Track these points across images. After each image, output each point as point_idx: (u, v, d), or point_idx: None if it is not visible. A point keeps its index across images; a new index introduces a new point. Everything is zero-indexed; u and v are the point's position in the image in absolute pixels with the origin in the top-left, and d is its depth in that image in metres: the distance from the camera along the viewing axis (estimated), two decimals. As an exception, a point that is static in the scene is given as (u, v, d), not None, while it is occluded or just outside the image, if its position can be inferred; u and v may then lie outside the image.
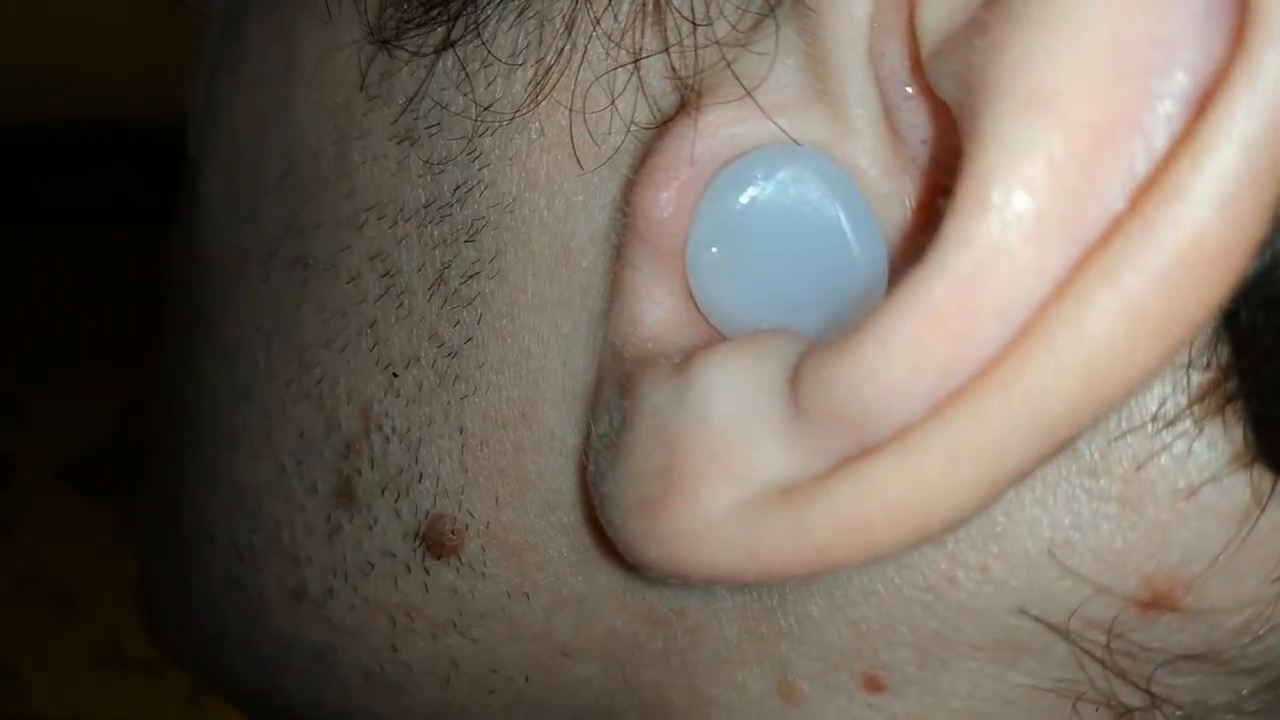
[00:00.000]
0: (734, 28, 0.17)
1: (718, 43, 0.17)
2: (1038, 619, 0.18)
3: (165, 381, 0.29)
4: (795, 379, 0.16)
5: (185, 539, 0.27)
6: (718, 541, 0.17)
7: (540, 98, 0.19)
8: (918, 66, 0.17)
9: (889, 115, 0.17)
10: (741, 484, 0.16)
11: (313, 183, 0.22)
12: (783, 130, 0.17)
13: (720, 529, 0.16)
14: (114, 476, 1.12)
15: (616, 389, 0.18)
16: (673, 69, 0.18)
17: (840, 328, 0.17)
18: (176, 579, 0.29)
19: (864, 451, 0.16)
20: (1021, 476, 0.15)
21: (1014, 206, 0.14)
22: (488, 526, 0.21)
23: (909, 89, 0.17)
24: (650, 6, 0.18)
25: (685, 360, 0.17)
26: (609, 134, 0.19)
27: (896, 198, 0.18)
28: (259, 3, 0.24)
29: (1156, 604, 0.18)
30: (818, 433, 0.16)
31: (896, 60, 0.17)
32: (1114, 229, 0.14)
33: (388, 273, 0.21)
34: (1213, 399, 0.17)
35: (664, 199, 0.18)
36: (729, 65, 0.17)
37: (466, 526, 0.21)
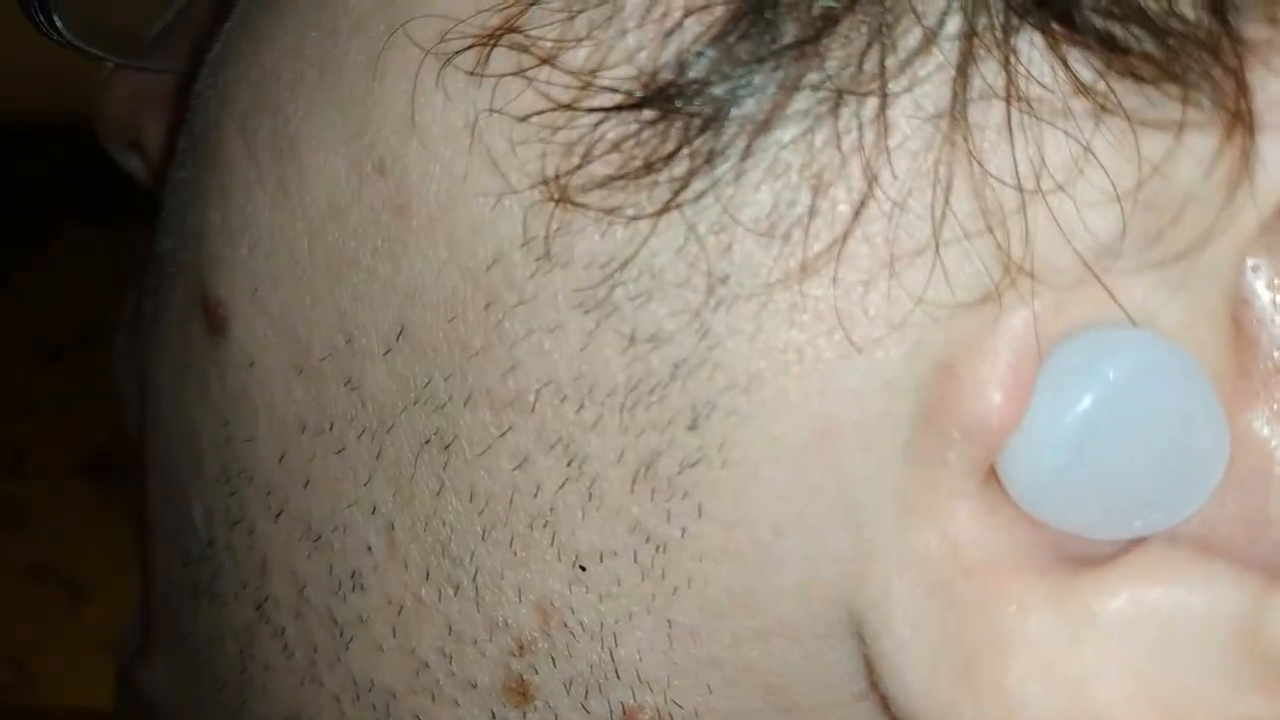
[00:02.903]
0: (1073, 200, 0.15)
1: (1055, 219, 0.15)
2: None
3: (168, 539, 0.25)
4: (1265, 627, 0.15)
5: None
6: None
7: (806, 274, 0.16)
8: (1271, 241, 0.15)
9: (1239, 302, 0.16)
10: None
11: (449, 351, 0.18)
12: (1129, 317, 0.15)
13: None
14: (125, 469, 1.12)
15: (931, 596, 0.16)
16: (997, 246, 0.15)
17: (1176, 527, 0.16)
18: None
19: None
20: None
21: None
22: (696, 714, 0.19)
23: (1256, 260, 0.16)
24: (957, 163, 0.15)
25: (1070, 583, 0.16)
26: (888, 310, 0.16)
27: (1228, 376, 0.16)
28: (310, 103, 0.19)
29: None
30: None
31: (1268, 262, 0.15)
32: None
33: (571, 461, 0.18)
34: None
35: (997, 398, 0.16)
36: (1081, 257, 0.15)
37: (672, 715, 0.19)
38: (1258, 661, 0.15)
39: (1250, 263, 0.16)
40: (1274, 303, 0.16)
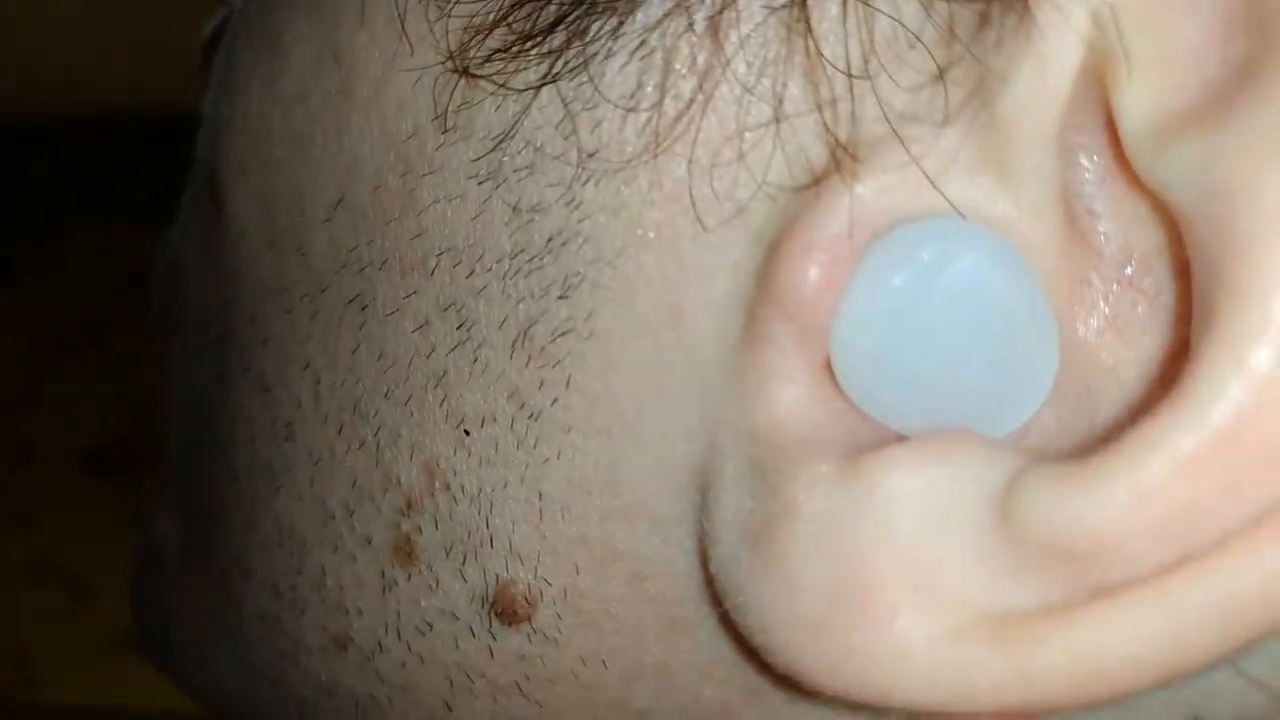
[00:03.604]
0: (896, 83, 0.16)
1: (879, 101, 0.16)
2: None
3: (183, 389, 0.27)
4: (1012, 503, 0.15)
5: (216, 568, 0.26)
6: (914, 672, 0.15)
7: (659, 149, 0.17)
8: (1108, 138, 0.15)
9: (1067, 191, 0.16)
10: (942, 612, 0.15)
11: (373, 217, 0.20)
12: (952, 204, 0.16)
13: (917, 659, 0.15)
14: (131, 466, 1.12)
15: (749, 473, 0.17)
16: (824, 127, 0.16)
17: (999, 430, 0.16)
18: (201, 605, 0.27)
19: (1103, 593, 0.15)
20: None
21: None
22: (564, 594, 0.20)
23: (1084, 158, 0.16)
24: (796, 52, 0.16)
25: (854, 461, 0.16)
26: (735, 191, 0.17)
27: (1066, 277, 0.16)
28: (295, 11, 0.22)
29: None
30: (1040, 564, 0.15)
31: (1073, 126, 0.15)
32: None
33: (462, 324, 0.19)
34: None
35: (814, 275, 0.16)
36: (894, 129, 0.16)
37: (541, 594, 0.20)
38: (1008, 546, 0.15)
39: (1078, 150, 0.16)
40: (1100, 189, 0.16)
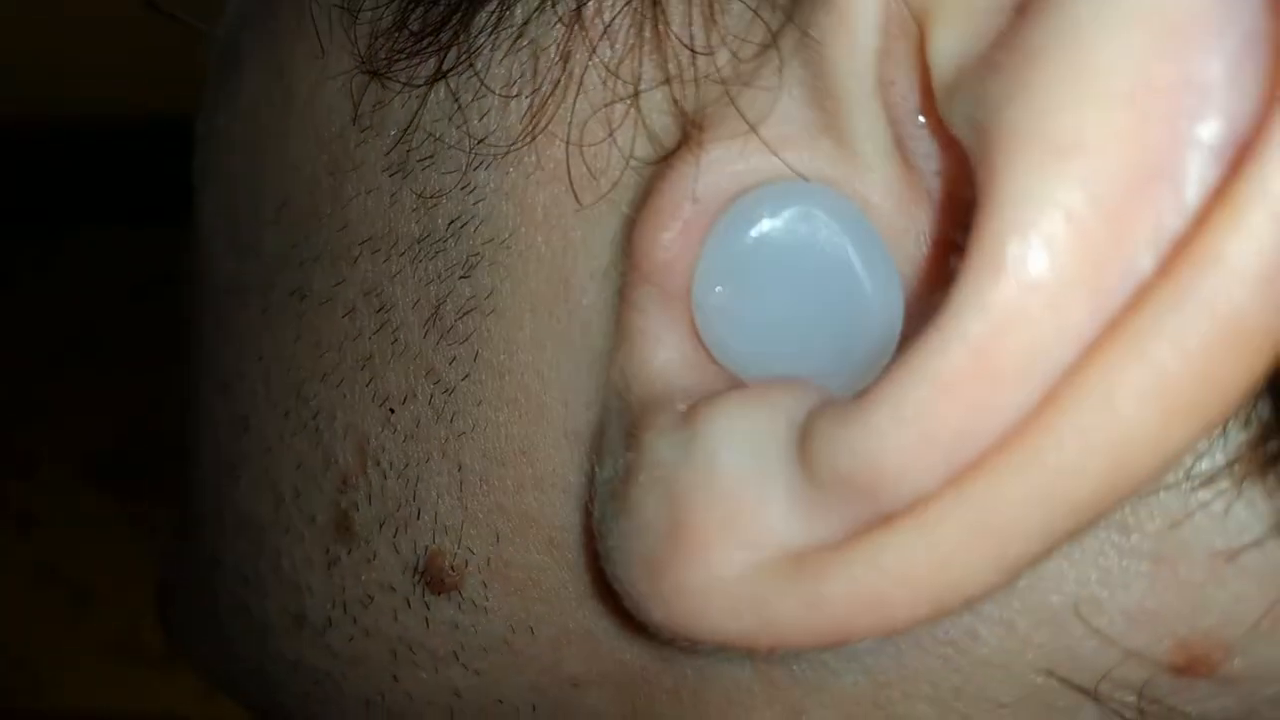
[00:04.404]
0: (736, 57, 0.16)
1: (720, 74, 0.17)
2: (1065, 680, 0.17)
3: (183, 401, 0.29)
4: (805, 440, 0.15)
5: (199, 562, 0.27)
6: (727, 607, 0.16)
7: (536, 131, 0.18)
8: (929, 97, 0.16)
9: (900, 147, 0.16)
10: (752, 548, 0.16)
11: (309, 215, 0.22)
12: (789, 166, 0.16)
13: (730, 594, 0.16)
14: (133, 473, 1.12)
15: (621, 434, 0.18)
16: (674, 101, 0.17)
17: (853, 385, 0.16)
18: (195, 598, 0.29)
19: (878, 523, 0.15)
20: (1044, 554, 0.15)
21: (1033, 267, 0.13)
22: (488, 563, 0.20)
23: (920, 119, 0.16)
24: (649, 34, 0.17)
25: (692, 410, 0.17)
26: (607, 168, 0.18)
27: (911, 233, 0.17)
28: (253, 31, 0.23)
29: (1191, 668, 0.17)
30: (829, 498, 0.15)
31: (906, 90, 0.16)
32: (1143, 295, 0.13)
33: (382, 308, 0.20)
34: (1253, 458, 0.16)
35: (667, 239, 0.17)
36: (731, 98, 0.16)
37: (466, 563, 0.21)
38: (806, 483, 0.15)
39: (910, 110, 0.16)
40: (933, 147, 0.16)
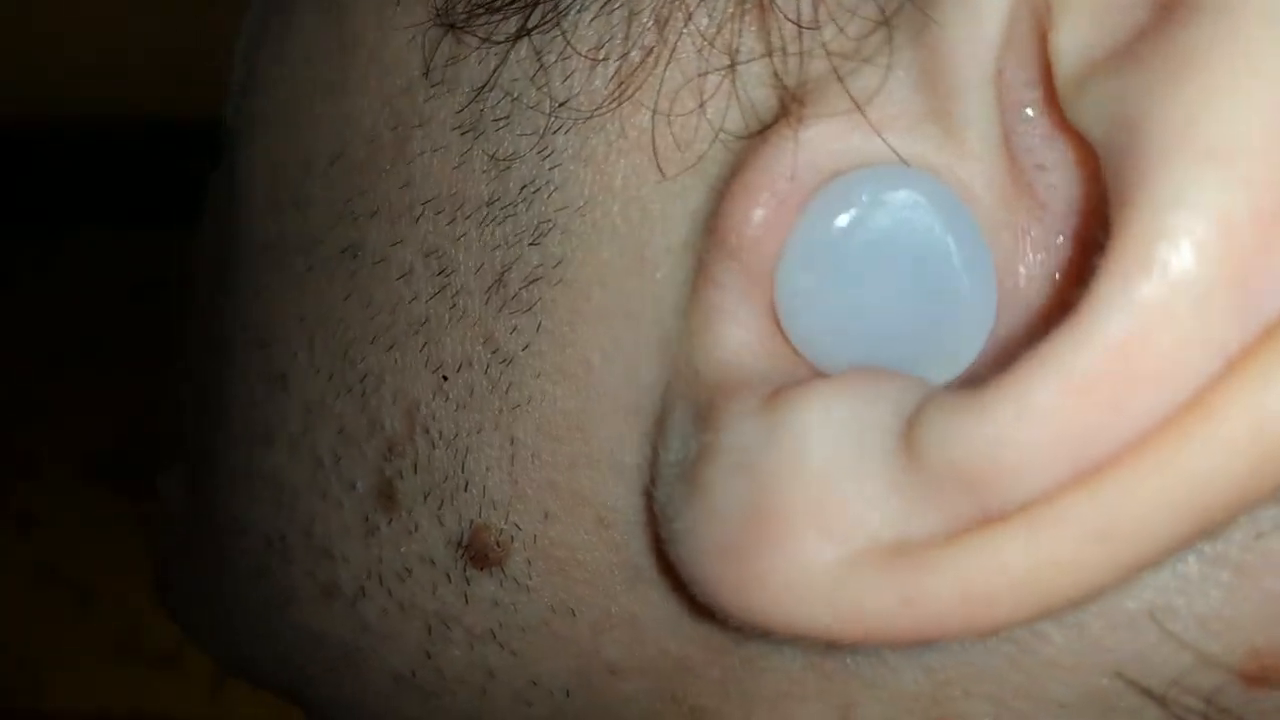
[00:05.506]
0: (844, 33, 0.16)
1: (826, 49, 0.16)
2: (1133, 683, 0.17)
3: (193, 364, 0.28)
4: (913, 431, 0.15)
5: (216, 526, 0.26)
6: (814, 598, 0.15)
7: (623, 97, 0.18)
8: (1048, 90, 0.15)
9: (1007, 139, 0.16)
10: (844, 538, 0.15)
11: (367, 169, 0.21)
12: (892, 149, 0.16)
13: (818, 585, 0.15)
14: (134, 472, 1.12)
15: (692, 414, 0.17)
16: (775, 75, 0.17)
17: (970, 377, 0.16)
18: (205, 564, 0.28)
19: (992, 519, 0.15)
20: (1164, 558, 0.14)
21: (1181, 269, 0.13)
22: (535, 540, 0.20)
23: (1029, 111, 0.16)
24: (751, 4, 0.17)
25: (776, 394, 0.16)
26: (695, 139, 0.17)
27: (1009, 227, 0.16)
28: None
29: (1264, 679, 0.17)
30: (937, 491, 0.15)
31: (1020, 81, 0.16)
32: None
33: (443, 271, 0.20)
34: None
35: (758, 215, 0.16)
36: (838, 75, 0.16)
37: (512, 539, 0.20)
38: (911, 475, 0.15)
39: (1024, 105, 0.16)
40: (1047, 144, 0.16)
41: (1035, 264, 0.17)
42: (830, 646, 0.18)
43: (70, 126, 1.15)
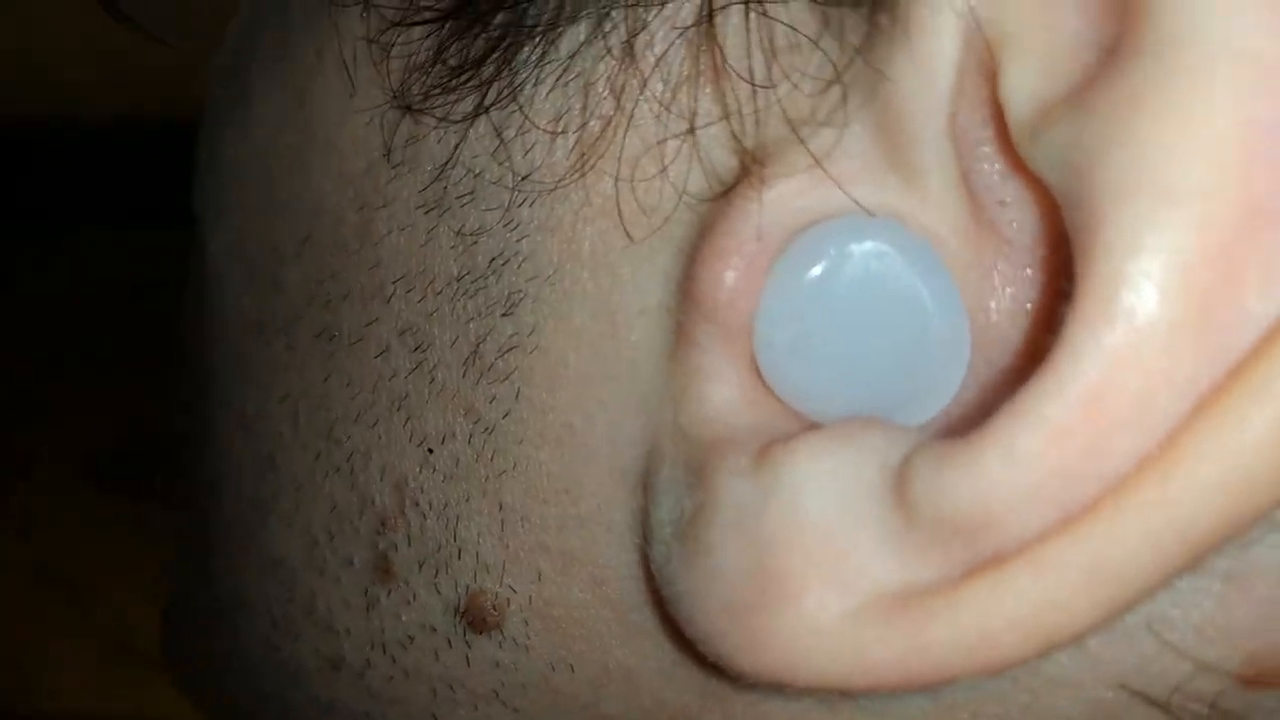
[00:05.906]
0: (799, 90, 0.16)
1: (782, 109, 0.16)
2: (1137, 693, 0.17)
3: (184, 426, 0.28)
4: (904, 482, 0.15)
5: (220, 602, 0.27)
6: (823, 652, 0.16)
7: (585, 168, 0.18)
8: (1001, 129, 0.16)
9: (967, 179, 0.16)
10: (846, 591, 0.16)
11: (335, 252, 0.21)
12: (856, 201, 0.16)
13: (825, 640, 0.16)
14: (133, 473, 1.12)
15: (683, 473, 0.17)
16: (733, 137, 0.17)
17: (915, 421, 0.16)
18: (210, 636, 0.28)
19: (988, 564, 0.15)
20: (1158, 589, 0.15)
21: (1146, 314, 0.14)
22: (530, 601, 0.20)
23: (986, 149, 0.16)
24: (704, 67, 0.17)
25: (766, 451, 0.16)
26: (660, 204, 0.17)
27: (977, 266, 0.17)
28: (265, 62, 0.23)
29: (1261, 680, 0.17)
30: (929, 541, 0.15)
31: (975, 123, 0.16)
32: (1266, 339, 0.13)
33: (419, 347, 0.20)
34: None
35: (729, 278, 0.17)
36: (799, 136, 0.16)
37: (508, 602, 0.20)
38: (906, 524, 0.15)
39: (980, 144, 0.16)
40: (1006, 181, 0.16)
41: (1006, 298, 0.17)
42: (843, 695, 0.18)
43: (70, 126, 1.15)
